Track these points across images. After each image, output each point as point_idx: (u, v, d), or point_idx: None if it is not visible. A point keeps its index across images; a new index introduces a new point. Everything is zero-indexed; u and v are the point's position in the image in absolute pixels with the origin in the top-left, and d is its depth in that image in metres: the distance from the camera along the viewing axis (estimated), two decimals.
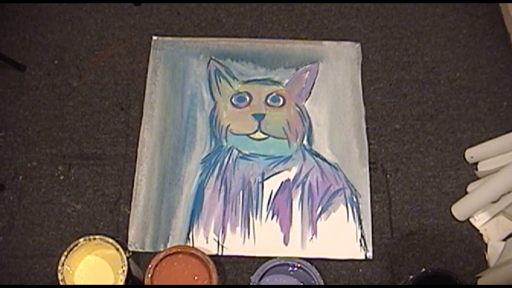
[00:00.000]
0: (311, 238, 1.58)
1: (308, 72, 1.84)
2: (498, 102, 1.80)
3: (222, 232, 1.59)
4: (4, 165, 1.69)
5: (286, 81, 1.82)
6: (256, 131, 1.73)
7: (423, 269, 1.42)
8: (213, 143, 1.72)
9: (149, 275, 1.39)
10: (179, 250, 1.44)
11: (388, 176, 1.68)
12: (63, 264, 1.36)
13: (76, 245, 1.38)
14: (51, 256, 1.55)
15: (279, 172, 1.67)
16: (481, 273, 1.52)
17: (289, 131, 1.74)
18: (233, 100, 1.78)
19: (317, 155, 1.70)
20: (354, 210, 1.62)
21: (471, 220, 1.60)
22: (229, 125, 1.74)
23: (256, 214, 1.61)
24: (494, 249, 1.54)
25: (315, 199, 1.64)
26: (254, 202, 1.63)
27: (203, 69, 1.84)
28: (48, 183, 1.66)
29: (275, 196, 1.64)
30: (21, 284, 1.54)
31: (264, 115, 1.76)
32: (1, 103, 1.78)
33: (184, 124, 1.75)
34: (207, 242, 1.58)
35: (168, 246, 1.56)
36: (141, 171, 1.67)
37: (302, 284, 1.49)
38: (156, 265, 1.41)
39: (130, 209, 1.62)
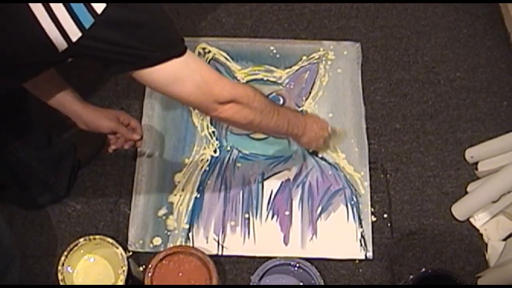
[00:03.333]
0: (311, 238, 1.58)
1: (308, 72, 1.84)
2: (498, 102, 1.80)
3: (222, 232, 1.59)
4: None
5: (286, 81, 1.82)
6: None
7: (423, 269, 1.42)
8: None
9: (149, 275, 1.39)
10: (179, 250, 1.44)
11: (388, 176, 1.68)
12: (63, 264, 1.36)
13: (76, 245, 1.38)
14: (51, 256, 1.55)
15: (279, 172, 1.67)
16: (481, 273, 1.52)
17: None
18: None
19: (317, 155, 1.70)
20: (354, 210, 1.62)
21: (471, 220, 1.60)
22: (229, 125, 1.74)
23: (256, 214, 1.61)
24: (494, 249, 1.54)
25: (315, 199, 1.63)
26: (254, 202, 1.63)
27: None
28: None
29: (275, 196, 1.64)
30: (21, 284, 1.53)
31: None
32: None
33: (184, 124, 1.75)
34: (207, 242, 1.58)
35: (168, 246, 1.56)
36: (141, 171, 1.67)
37: (302, 284, 1.49)
38: (156, 265, 1.41)
39: (130, 209, 1.62)
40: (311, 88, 1.81)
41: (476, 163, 1.68)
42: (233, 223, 1.60)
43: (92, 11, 0.92)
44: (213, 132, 1.73)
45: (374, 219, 1.62)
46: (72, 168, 1.60)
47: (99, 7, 0.92)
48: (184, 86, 1.09)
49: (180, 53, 1.06)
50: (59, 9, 0.92)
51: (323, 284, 1.44)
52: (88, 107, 1.39)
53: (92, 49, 0.98)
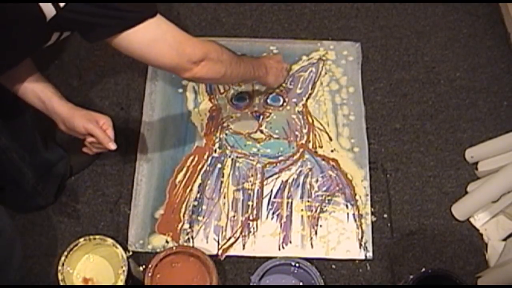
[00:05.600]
0: (311, 238, 1.58)
1: (308, 72, 1.84)
2: (498, 102, 1.80)
3: (222, 232, 1.59)
4: None
5: (286, 81, 1.82)
6: (256, 131, 1.73)
7: (423, 269, 1.42)
8: None
9: (149, 275, 1.39)
10: (179, 250, 1.44)
11: (388, 176, 1.68)
12: (63, 264, 1.37)
13: (76, 245, 1.38)
14: (51, 256, 1.55)
15: (279, 172, 1.67)
16: (481, 273, 1.52)
17: (289, 131, 1.73)
18: (233, 100, 1.78)
19: (317, 155, 1.70)
20: (354, 210, 1.62)
21: (471, 220, 1.60)
22: (229, 125, 1.74)
23: (256, 214, 1.61)
24: (494, 249, 1.55)
25: (315, 199, 1.63)
26: (254, 202, 1.63)
27: None
28: None
29: (275, 196, 1.64)
30: (21, 284, 1.53)
31: (264, 115, 1.76)
32: None
33: (184, 124, 1.75)
34: (207, 242, 1.58)
35: (168, 246, 1.56)
36: (141, 171, 1.67)
37: (302, 284, 1.49)
38: (156, 265, 1.41)
39: (130, 209, 1.62)
40: (311, 88, 1.81)
41: (476, 163, 1.68)
42: (233, 223, 1.60)
43: None
44: (213, 132, 1.73)
45: (374, 219, 1.62)
46: (62, 178, 1.59)
47: None
48: (158, 48, 1.16)
49: (153, 14, 1.14)
50: None
51: (323, 284, 1.44)
52: (67, 105, 1.31)
53: (77, 13, 1.05)
